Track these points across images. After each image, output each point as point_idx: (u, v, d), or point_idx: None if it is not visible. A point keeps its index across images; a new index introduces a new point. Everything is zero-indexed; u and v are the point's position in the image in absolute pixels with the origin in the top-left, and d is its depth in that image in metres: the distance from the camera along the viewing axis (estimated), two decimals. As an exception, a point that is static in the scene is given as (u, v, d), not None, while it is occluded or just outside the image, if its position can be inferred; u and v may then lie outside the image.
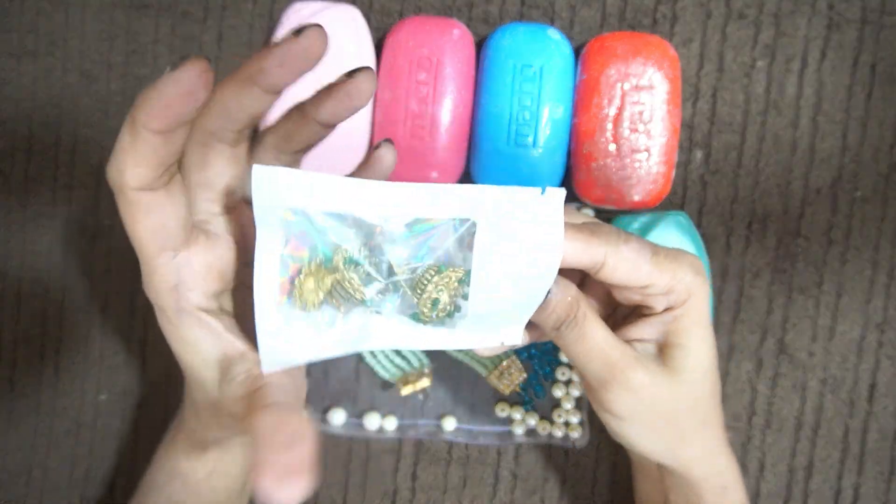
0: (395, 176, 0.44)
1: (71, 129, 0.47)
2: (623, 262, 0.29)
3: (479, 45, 0.45)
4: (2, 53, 0.47)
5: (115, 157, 0.25)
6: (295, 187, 0.26)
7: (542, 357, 0.46)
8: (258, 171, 0.25)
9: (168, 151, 0.24)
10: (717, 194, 0.46)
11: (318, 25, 0.25)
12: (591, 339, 0.31)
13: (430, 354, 0.47)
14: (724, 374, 0.46)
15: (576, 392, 0.46)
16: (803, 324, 0.46)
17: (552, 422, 0.46)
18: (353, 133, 0.43)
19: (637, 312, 0.33)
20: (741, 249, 0.46)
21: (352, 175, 0.31)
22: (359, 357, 0.47)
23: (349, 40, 0.43)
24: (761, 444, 0.46)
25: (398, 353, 0.47)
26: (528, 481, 0.47)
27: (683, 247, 0.42)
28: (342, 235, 0.28)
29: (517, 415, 0.46)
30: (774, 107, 0.45)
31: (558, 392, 0.46)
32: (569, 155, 0.44)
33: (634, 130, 0.42)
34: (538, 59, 0.42)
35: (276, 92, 0.26)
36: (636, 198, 0.43)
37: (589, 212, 0.45)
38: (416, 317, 0.29)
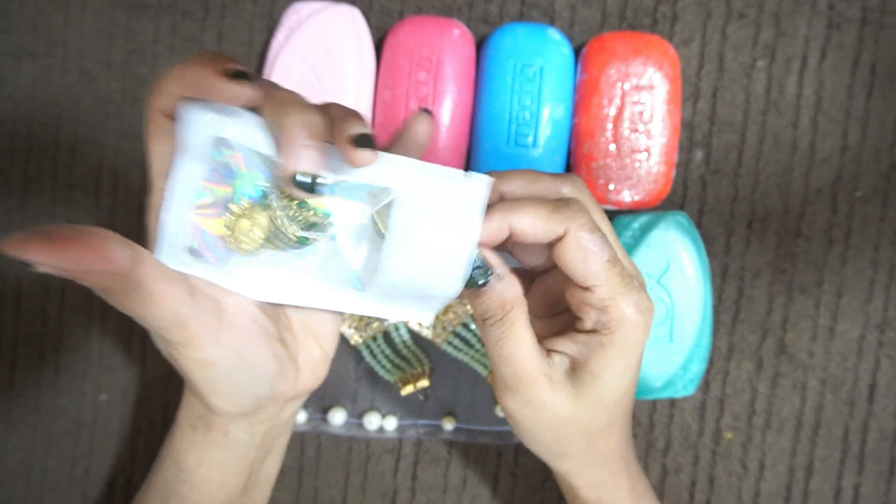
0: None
1: (71, 129, 0.47)
2: (578, 248, 0.29)
3: (479, 45, 0.45)
4: (2, 53, 0.47)
5: (162, 80, 0.27)
6: (225, 121, 0.27)
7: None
8: (187, 103, 0.26)
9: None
10: (717, 194, 0.46)
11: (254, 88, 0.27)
12: (511, 347, 0.31)
13: (430, 354, 0.47)
14: (725, 374, 0.46)
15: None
16: (803, 324, 0.46)
17: (552, 422, 0.46)
18: (353, 133, 0.43)
19: (569, 325, 0.33)
20: (741, 249, 0.46)
21: (385, 149, 0.30)
22: (359, 357, 0.47)
23: (349, 40, 0.43)
24: (761, 444, 0.46)
25: (398, 353, 0.47)
26: (528, 481, 0.47)
27: (683, 247, 0.42)
28: (271, 182, 0.29)
29: (517, 415, 0.46)
30: (774, 107, 0.45)
31: (558, 392, 0.46)
32: (569, 155, 0.44)
33: (634, 130, 0.42)
34: (538, 58, 0.42)
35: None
36: (636, 198, 0.43)
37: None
38: (328, 273, 0.30)
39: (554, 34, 0.43)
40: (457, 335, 0.46)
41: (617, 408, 0.33)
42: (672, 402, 0.46)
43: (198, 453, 0.35)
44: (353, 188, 0.30)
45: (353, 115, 0.28)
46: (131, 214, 0.47)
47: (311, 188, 0.27)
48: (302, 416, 0.46)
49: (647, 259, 0.42)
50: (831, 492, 0.46)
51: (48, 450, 0.48)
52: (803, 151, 0.46)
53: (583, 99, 0.43)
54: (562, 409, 0.32)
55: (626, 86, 0.42)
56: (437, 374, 0.47)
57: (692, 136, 0.46)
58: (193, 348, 0.29)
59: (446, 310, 0.45)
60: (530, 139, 0.42)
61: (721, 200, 0.46)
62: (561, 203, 0.29)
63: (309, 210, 0.29)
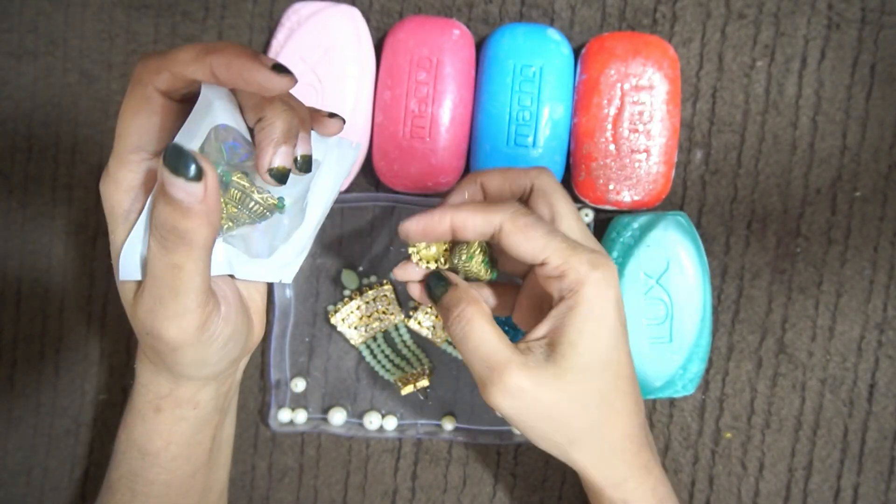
0: (395, 175, 0.44)
1: (71, 129, 0.47)
2: (516, 231, 0.32)
3: (479, 46, 0.45)
4: (2, 53, 0.47)
5: (165, 56, 0.28)
6: (228, 108, 0.30)
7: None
8: (207, 86, 0.29)
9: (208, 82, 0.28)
10: (717, 194, 0.46)
11: (293, 78, 0.28)
12: (474, 339, 0.32)
13: (430, 354, 0.47)
14: (724, 374, 0.46)
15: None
16: (803, 324, 0.46)
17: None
18: (352, 133, 0.44)
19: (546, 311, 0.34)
20: (741, 249, 0.46)
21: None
22: (359, 357, 0.47)
23: (349, 40, 0.43)
24: (761, 444, 0.46)
25: (398, 353, 0.47)
26: (528, 481, 0.47)
27: (683, 247, 0.42)
28: (244, 162, 0.32)
29: (517, 415, 0.46)
30: (774, 107, 0.45)
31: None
32: (569, 155, 0.44)
33: (634, 130, 0.42)
34: (538, 59, 0.42)
35: (221, 82, 0.28)
36: (636, 198, 0.43)
37: (589, 212, 0.45)
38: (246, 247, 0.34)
39: (554, 34, 0.43)
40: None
41: (606, 379, 0.32)
42: (672, 402, 0.47)
43: (165, 433, 0.36)
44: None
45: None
46: (131, 214, 0.47)
47: (283, 179, 0.29)
48: (302, 416, 0.46)
49: (647, 259, 0.42)
50: (831, 491, 0.46)
51: (48, 450, 0.48)
52: (803, 152, 0.46)
53: (582, 99, 0.43)
54: (544, 393, 0.32)
55: (626, 86, 0.42)
56: (437, 374, 0.47)
57: (692, 136, 0.46)
58: (207, 332, 0.31)
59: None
60: (530, 139, 0.42)
61: (720, 200, 0.46)
62: (494, 201, 0.34)
63: (264, 192, 0.32)
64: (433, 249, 0.36)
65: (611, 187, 0.43)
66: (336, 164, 0.36)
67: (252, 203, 0.32)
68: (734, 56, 0.45)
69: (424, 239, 0.34)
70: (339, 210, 0.46)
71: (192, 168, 0.27)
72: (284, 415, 0.46)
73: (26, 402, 0.48)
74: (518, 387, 0.31)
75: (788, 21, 0.45)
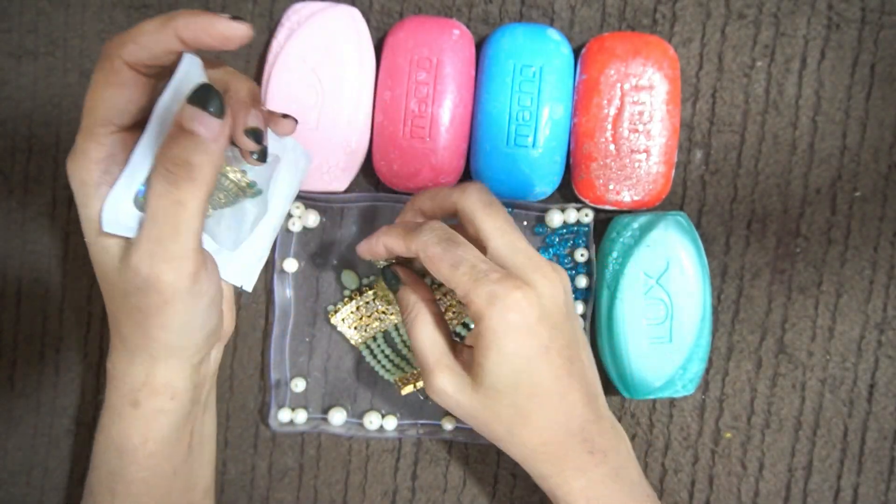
0: (395, 175, 0.44)
1: (71, 129, 0.47)
2: (427, 260, 0.35)
3: (479, 46, 0.45)
4: (2, 53, 0.47)
5: (130, 30, 0.30)
6: (204, 77, 0.31)
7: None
8: (188, 56, 0.30)
9: (172, 50, 0.30)
10: (717, 194, 0.46)
11: (250, 26, 0.30)
12: (415, 335, 0.37)
13: (430, 354, 0.47)
14: (724, 374, 0.46)
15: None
16: (803, 324, 0.46)
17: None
18: (353, 133, 0.44)
19: None
20: (741, 249, 0.46)
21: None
22: (359, 357, 0.47)
23: (349, 40, 0.43)
24: (761, 444, 0.46)
25: (398, 353, 0.47)
26: (528, 481, 0.47)
27: (683, 247, 0.42)
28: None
29: (517, 414, 0.46)
30: (774, 107, 0.45)
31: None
32: (569, 155, 0.44)
33: (634, 130, 0.42)
34: (538, 59, 0.42)
35: (187, 44, 0.30)
36: (636, 198, 0.43)
37: (589, 212, 0.45)
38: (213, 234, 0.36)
39: (554, 34, 0.43)
40: (456, 335, 0.46)
41: (516, 396, 0.35)
42: (672, 402, 0.47)
43: (142, 429, 0.35)
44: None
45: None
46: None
47: (258, 138, 0.32)
48: (302, 416, 0.47)
49: (647, 259, 0.42)
50: (830, 491, 0.46)
51: (48, 450, 0.48)
52: (802, 152, 0.46)
53: (582, 99, 0.43)
54: (463, 399, 0.36)
55: (626, 86, 0.42)
56: (437, 374, 0.47)
57: (692, 136, 0.46)
58: (199, 283, 0.31)
59: (446, 309, 0.45)
60: (530, 139, 0.42)
61: (720, 201, 0.46)
62: (415, 227, 0.36)
63: (239, 173, 0.34)
64: None
65: (611, 187, 0.43)
66: (292, 167, 0.38)
67: (227, 182, 0.33)
68: (734, 56, 0.45)
69: (371, 258, 0.39)
70: (340, 210, 0.46)
71: (218, 104, 0.28)
72: (284, 415, 0.46)
73: (26, 402, 0.48)
74: (442, 389, 0.36)
75: (788, 21, 0.45)
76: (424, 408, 0.47)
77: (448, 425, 0.46)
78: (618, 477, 0.37)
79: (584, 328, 0.45)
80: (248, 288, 0.38)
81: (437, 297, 0.44)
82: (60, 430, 0.48)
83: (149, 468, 0.36)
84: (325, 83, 0.43)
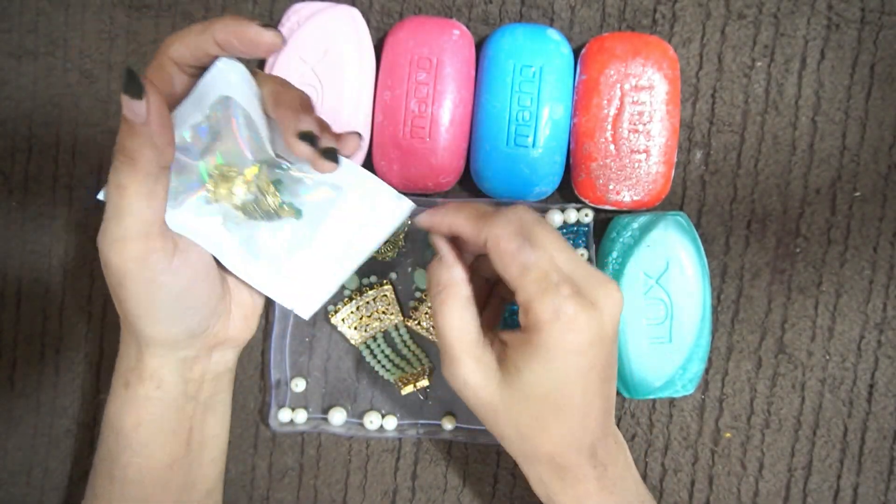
0: (395, 175, 0.44)
1: (71, 129, 0.47)
2: (497, 257, 0.33)
3: (479, 46, 0.45)
4: (2, 53, 0.47)
5: (180, 31, 0.31)
6: (244, 84, 0.32)
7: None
8: (225, 61, 0.32)
9: (209, 53, 0.32)
10: (717, 194, 0.46)
11: (281, 35, 0.32)
12: (443, 319, 0.35)
13: (431, 354, 0.47)
14: (724, 374, 0.46)
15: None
16: (802, 324, 0.46)
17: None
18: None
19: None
20: (740, 249, 0.46)
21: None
22: (359, 357, 0.47)
23: (349, 40, 0.43)
24: (760, 444, 0.46)
25: (398, 353, 0.47)
26: (527, 481, 0.47)
27: (683, 247, 0.42)
28: (257, 150, 0.33)
29: (517, 414, 0.46)
30: (774, 107, 0.45)
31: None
32: (569, 155, 0.44)
33: (634, 131, 0.42)
34: (538, 59, 0.42)
35: (222, 47, 0.32)
36: (636, 198, 0.43)
37: (589, 212, 0.45)
38: (254, 251, 0.36)
39: (554, 34, 0.43)
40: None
41: (541, 407, 0.34)
42: (671, 402, 0.47)
43: (133, 413, 0.36)
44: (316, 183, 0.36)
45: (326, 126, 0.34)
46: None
47: (313, 141, 0.31)
48: (302, 416, 0.47)
49: (647, 259, 0.42)
50: (830, 491, 0.46)
51: (48, 450, 0.48)
52: (802, 152, 0.46)
53: (582, 99, 0.43)
54: (483, 392, 0.34)
55: (626, 86, 0.42)
56: (437, 374, 0.47)
57: (691, 136, 0.46)
58: (149, 269, 0.32)
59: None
60: (530, 139, 0.42)
61: (720, 201, 0.46)
62: (489, 212, 0.34)
63: (279, 195, 0.34)
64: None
65: (611, 187, 0.43)
66: (378, 215, 0.35)
67: (259, 195, 0.33)
68: (734, 56, 0.45)
69: (428, 229, 0.36)
70: (339, 210, 0.47)
71: (134, 87, 0.29)
72: (284, 415, 0.46)
73: (26, 402, 0.48)
74: (464, 380, 0.34)
75: (788, 21, 0.45)
76: (424, 408, 0.47)
77: (448, 425, 0.46)
78: (614, 488, 0.37)
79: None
80: (304, 315, 0.37)
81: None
82: (60, 430, 0.48)
83: (143, 456, 0.37)
84: (325, 83, 0.43)
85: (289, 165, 0.34)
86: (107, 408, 0.37)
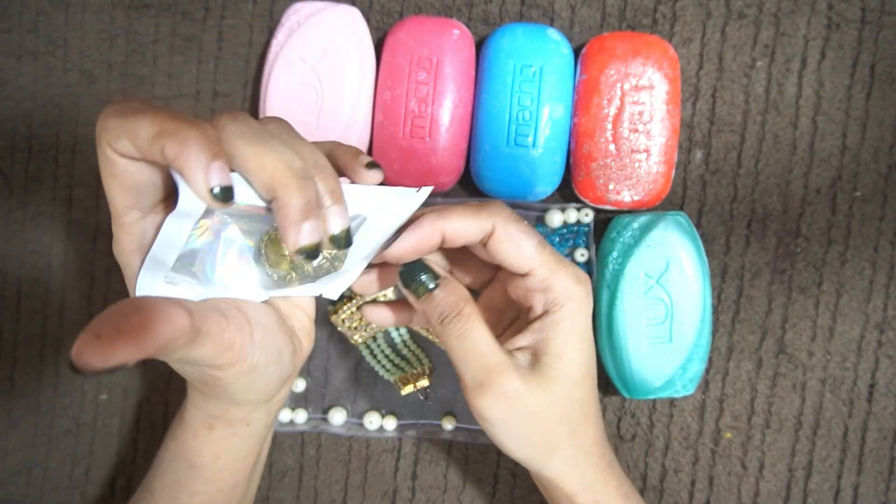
0: (395, 175, 0.44)
1: (71, 129, 0.47)
2: (508, 238, 0.31)
3: (479, 46, 0.45)
4: (2, 53, 0.47)
5: (125, 121, 0.25)
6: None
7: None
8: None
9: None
10: (717, 194, 0.46)
11: (231, 191, 0.26)
12: (472, 339, 0.32)
13: (431, 354, 0.47)
14: (724, 374, 0.46)
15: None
16: (803, 324, 0.46)
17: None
18: (353, 133, 0.43)
19: (520, 323, 0.34)
20: (741, 249, 0.46)
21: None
22: (359, 357, 0.47)
23: (349, 40, 0.43)
24: (761, 444, 0.46)
25: (398, 353, 0.47)
26: (527, 481, 0.47)
27: (683, 247, 0.42)
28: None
29: (517, 414, 0.46)
30: (774, 107, 0.45)
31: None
32: (569, 155, 0.44)
33: (634, 130, 0.42)
34: (538, 59, 0.42)
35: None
36: (636, 198, 0.43)
37: (589, 212, 0.45)
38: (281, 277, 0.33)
39: (554, 34, 0.43)
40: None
41: (585, 388, 0.34)
42: (672, 402, 0.47)
43: (215, 449, 0.36)
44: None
45: (356, 151, 0.32)
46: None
47: (315, 255, 0.28)
48: (302, 416, 0.46)
49: (647, 259, 0.42)
50: (830, 491, 0.46)
51: (48, 449, 0.48)
52: (803, 152, 0.46)
53: (582, 99, 0.43)
54: (534, 399, 0.32)
55: (626, 86, 0.42)
56: (437, 374, 0.47)
57: (692, 136, 0.46)
58: (241, 362, 0.30)
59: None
60: (530, 139, 0.42)
61: (720, 200, 0.46)
62: (482, 204, 0.32)
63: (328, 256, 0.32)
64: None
65: (611, 187, 0.43)
66: (402, 213, 0.33)
67: (318, 262, 0.32)
68: (734, 56, 0.45)
69: (419, 255, 0.32)
70: (339, 210, 0.46)
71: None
72: (284, 415, 0.46)
73: (26, 402, 0.48)
74: (514, 390, 0.32)
75: (788, 21, 0.45)
76: (424, 408, 0.47)
77: (448, 425, 0.46)
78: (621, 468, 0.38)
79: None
80: (332, 296, 0.32)
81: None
82: (60, 430, 0.48)
83: (213, 482, 0.36)
84: (325, 83, 0.43)
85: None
86: (179, 443, 0.36)
